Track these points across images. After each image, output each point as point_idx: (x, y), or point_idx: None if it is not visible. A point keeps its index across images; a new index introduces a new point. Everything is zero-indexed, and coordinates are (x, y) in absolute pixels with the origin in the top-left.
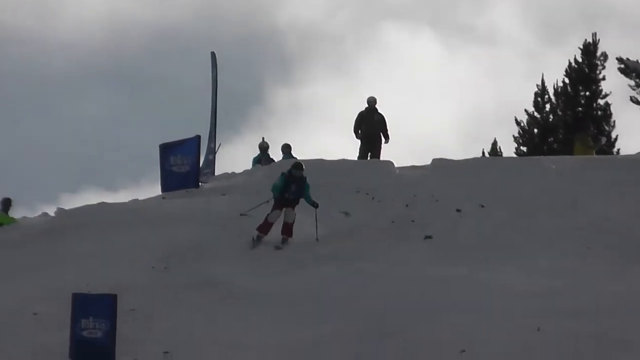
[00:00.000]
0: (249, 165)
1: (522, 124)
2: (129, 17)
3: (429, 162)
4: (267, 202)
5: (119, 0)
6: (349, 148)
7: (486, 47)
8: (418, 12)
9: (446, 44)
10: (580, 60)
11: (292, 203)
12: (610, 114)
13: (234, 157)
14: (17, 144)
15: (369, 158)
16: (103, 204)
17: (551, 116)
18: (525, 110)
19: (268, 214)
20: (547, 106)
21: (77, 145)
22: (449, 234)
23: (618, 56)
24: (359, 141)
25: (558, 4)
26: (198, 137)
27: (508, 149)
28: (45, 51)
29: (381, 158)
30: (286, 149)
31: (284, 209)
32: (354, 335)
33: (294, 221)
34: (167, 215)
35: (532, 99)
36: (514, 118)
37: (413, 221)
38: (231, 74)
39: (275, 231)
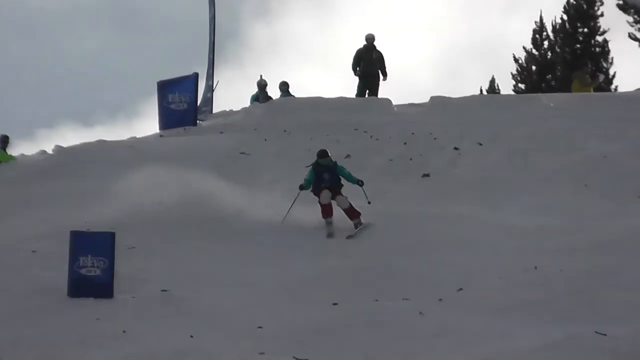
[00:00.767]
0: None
1: (520, 61)
2: None
3: (422, 99)
4: (298, 195)
5: None
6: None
7: None
8: None
9: None
10: None
11: (333, 189)
12: (609, 51)
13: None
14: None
15: (366, 96)
16: (101, 141)
17: (549, 53)
18: (524, 48)
19: (318, 201)
20: (545, 43)
21: (69, 78)
22: (447, 172)
23: None
24: (356, 78)
25: None
26: (196, 75)
27: (506, 87)
28: None
29: (379, 96)
30: (284, 86)
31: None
32: (352, 272)
33: (350, 204)
34: (165, 154)
35: (530, 36)
36: (512, 55)
37: (411, 159)
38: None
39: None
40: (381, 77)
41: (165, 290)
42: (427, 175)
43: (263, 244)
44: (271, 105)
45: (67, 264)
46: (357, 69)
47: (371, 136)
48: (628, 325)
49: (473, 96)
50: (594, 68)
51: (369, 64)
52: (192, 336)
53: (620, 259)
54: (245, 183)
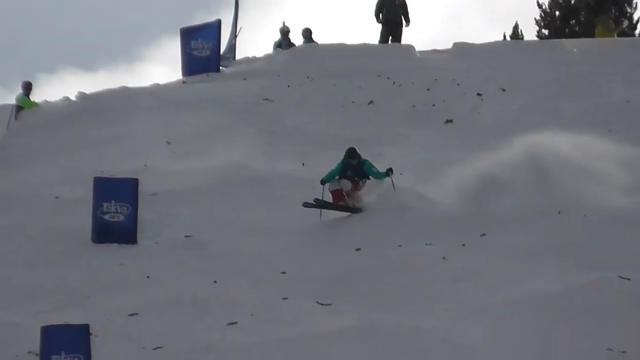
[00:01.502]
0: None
1: (543, 7)
2: None
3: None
4: (323, 190)
5: None
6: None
7: None
8: None
9: None
10: None
11: (353, 181)
12: None
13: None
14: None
15: (389, 42)
16: (124, 88)
17: None
18: None
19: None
20: None
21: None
22: (470, 118)
23: None
24: (379, 25)
25: None
26: (219, 21)
27: (530, 33)
28: None
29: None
30: (306, 33)
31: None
32: (375, 218)
33: (347, 192)
34: (188, 100)
35: None
36: (535, 0)
37: (434, 105)
38: None
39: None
40: (404, 23)
41: (188, 236)
42: (450, 121)
43: (286, 191)
44: (294, 52)
45: (90, 210)
46: (380, 15)
47: (394, 82)
48: None
49: (496, 42)
50: (617, 13)
51: (391, 10)
52: (215, 281)
53: None
54: (268, 129)
